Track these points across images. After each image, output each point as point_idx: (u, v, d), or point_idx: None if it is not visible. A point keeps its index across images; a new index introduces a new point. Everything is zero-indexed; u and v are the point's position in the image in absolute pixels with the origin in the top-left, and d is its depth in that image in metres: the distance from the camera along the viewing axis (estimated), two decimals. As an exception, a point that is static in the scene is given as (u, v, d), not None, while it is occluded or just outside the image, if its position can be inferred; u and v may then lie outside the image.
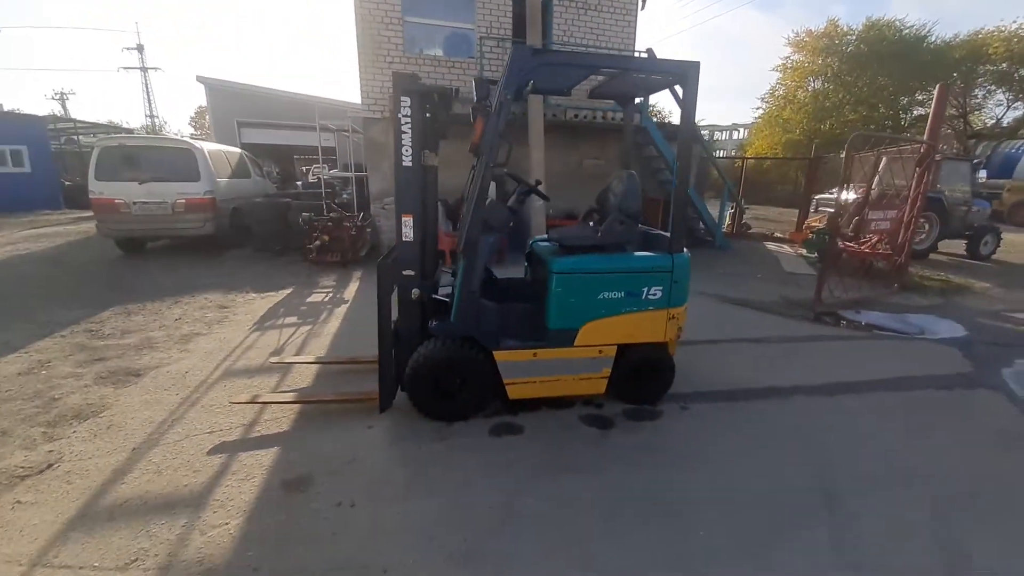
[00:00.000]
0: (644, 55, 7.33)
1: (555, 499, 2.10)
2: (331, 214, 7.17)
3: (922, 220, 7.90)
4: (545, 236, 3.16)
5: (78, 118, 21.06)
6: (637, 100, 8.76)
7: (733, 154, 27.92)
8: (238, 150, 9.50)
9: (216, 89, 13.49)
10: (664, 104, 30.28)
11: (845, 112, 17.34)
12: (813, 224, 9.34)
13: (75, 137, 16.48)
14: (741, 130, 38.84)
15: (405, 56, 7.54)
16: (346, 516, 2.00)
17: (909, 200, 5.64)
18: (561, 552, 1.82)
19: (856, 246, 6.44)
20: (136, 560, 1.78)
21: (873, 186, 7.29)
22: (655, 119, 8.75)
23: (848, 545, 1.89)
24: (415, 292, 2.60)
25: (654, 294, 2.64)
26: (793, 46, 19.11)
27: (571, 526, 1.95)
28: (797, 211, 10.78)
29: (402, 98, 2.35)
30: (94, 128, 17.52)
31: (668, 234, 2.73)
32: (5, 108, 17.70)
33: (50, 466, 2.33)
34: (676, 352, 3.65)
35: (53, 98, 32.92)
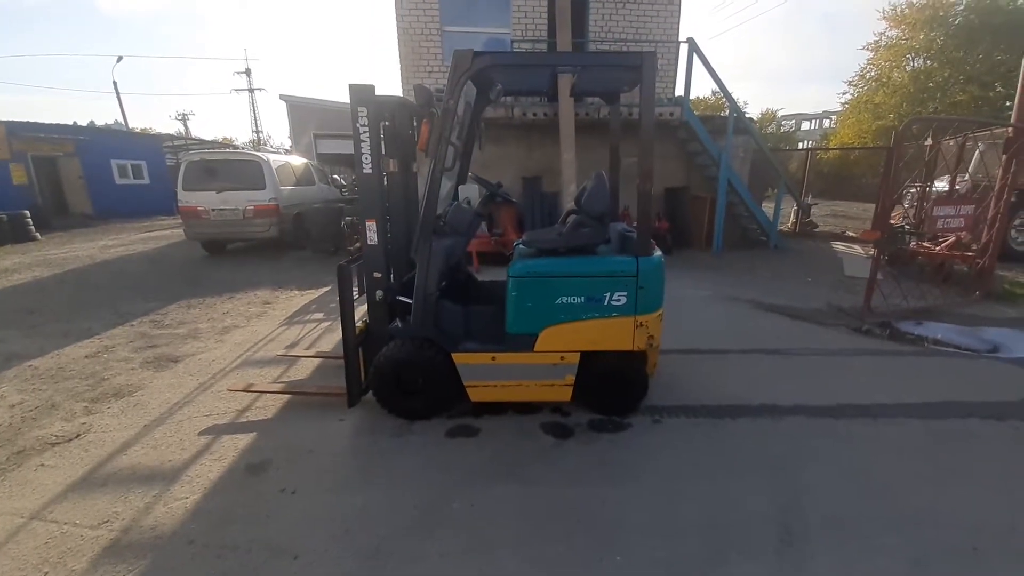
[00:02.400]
0: (684, 44, 6.90)
1: (481, 506, 2.06)
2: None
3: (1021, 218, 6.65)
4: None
5: (196, 136, 24.25)
6: (674, 97, 8.25)
7: (821, 145, 25.25)
8: (304, 160, 10.35)
9: (295, 105, 14.84)
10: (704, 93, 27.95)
11: (953, 92, 14.92)
12: (893, 222, 8.19)
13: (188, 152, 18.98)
14: (832, 118, 34.97)
15: (444, 65, 7.75)
16: (284, 502, 2.12)
17: (994, 193, 4.74)
18: (465, 558, 1.78)
19: (931, 246, 5.57)
20: (107, 521, 2.03)
21: (966, 177, 6.28)
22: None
23: (790, 589, 1.65)
24: (378, 294, 2.68)
25: (617, 300, 2.48)
26: (889, 20, 16.79)
27: (486, 534, 1.90)
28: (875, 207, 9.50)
29: (358, 108, 2.44)
30: (204, 144, 20.04)
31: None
32: (136, 128, 20.73)
33: (78, 436, 2.72)
34: (671, 361, 3.44)
35: (176, 118, 38.06)
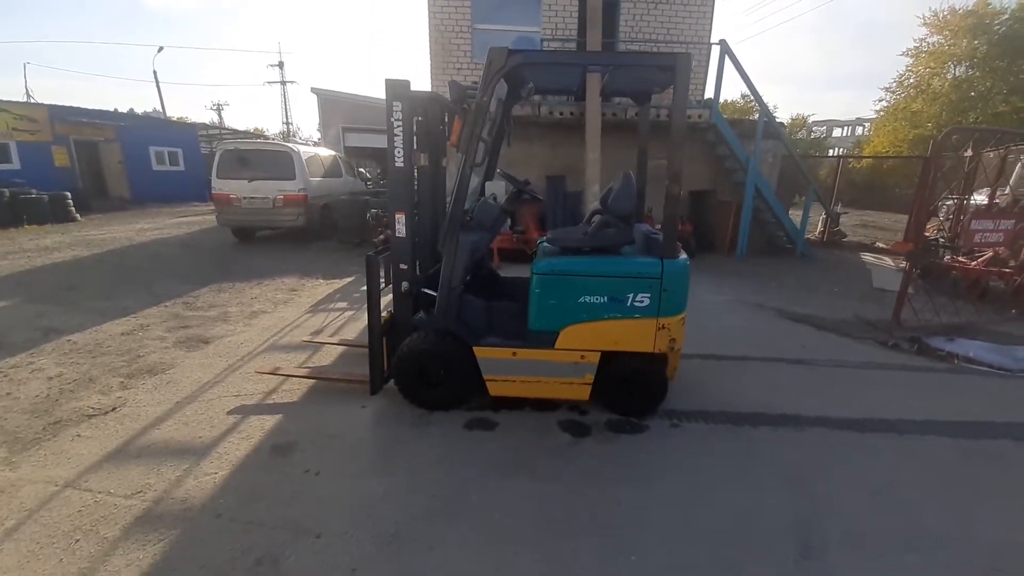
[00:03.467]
0: (716, 46, 6.78)
1: (498, 499, 2.08)
2: (396, 210, 7.66)
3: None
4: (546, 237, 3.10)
5: (230, 125, 24.88)
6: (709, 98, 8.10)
7: (852, 152, 24.49)
8: (332, 152, 10.52)
9: (325, 99, 15.04)
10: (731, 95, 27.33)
11: (995, 103, 14.27)
12: (927, 234, 7.90)
13: (223, 141, 19.52)
14: (865, 125, 33.86)
15: (473, 62, 7.78)
16: (309, 483, 2.17)
17: (1038, 208, 4.53)
18: (480, 550, 1.81)
19: (967, 261, 5.36)
20: (140, 492, 2.11)
21: (1007, 190, 6.04)
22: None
23: (807, 602, 1.63)
24: (404, 286, 2.72)
25: (640, 301, 2.46)
26: (930, 27, 16.13)
27: (503, 528, 1.92)
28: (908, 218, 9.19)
29: (393, 103, 2.47)
30: (237, 134, 20.58)
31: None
32: (173, 117, 21.37)
33: (114, 409, 2.83)
34: (692, 366, 3.41)
35: (211, 108, 39.08)
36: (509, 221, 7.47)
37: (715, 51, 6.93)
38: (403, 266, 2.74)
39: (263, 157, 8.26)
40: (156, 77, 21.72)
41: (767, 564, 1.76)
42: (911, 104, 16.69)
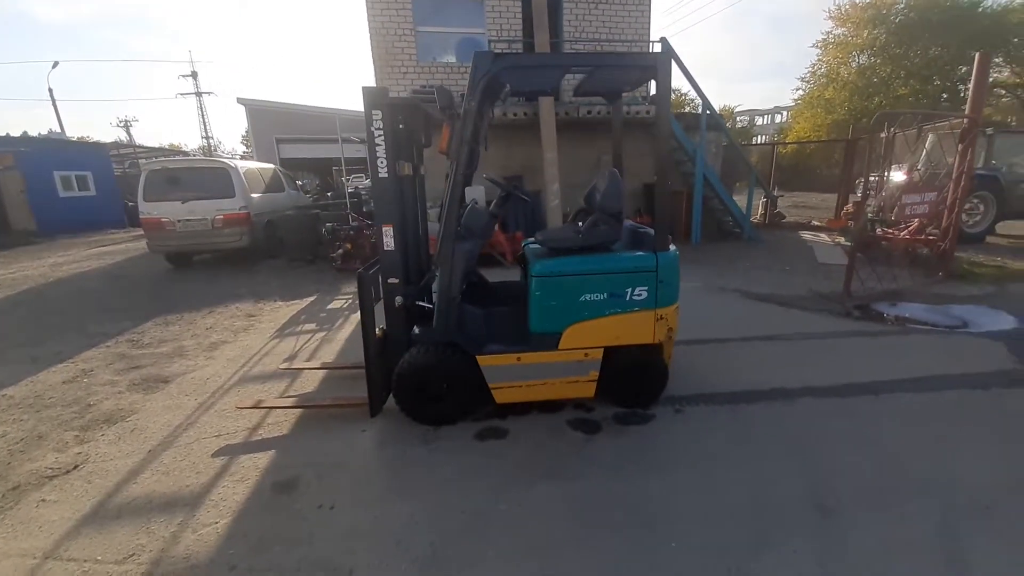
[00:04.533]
0: (657, 44, 7.12)
1: (529, 505, 2.08)
2: (352, 223, 7.42)
3: (975, 201, 7.23)
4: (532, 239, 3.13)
5: (141, 143, 22.92)
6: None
7: (776, 139, 26.53)
8: (272, 166, 9.99)
9: (255, 109, 14.27)
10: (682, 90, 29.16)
11: (895, 87, 16.04)
12: (851, 210, 8.72)
13: (137, 161, 17.93)
14: (784, 113, 36.80)
15: (419, 65, 7.69)
16: (325, 518, 2.07)
17: (952, 180, 5.15)
18: (526, 559, 1.80)
19: (895, 232, 5.98)
20: (133, 555, 1.92)
21: (918, 166, 6.75)
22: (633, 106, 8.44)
23: (836, 560, 1.76)
24: (398, 300, 2.65)
25: (639, 295, 2.56)
26: (835, 19, 17.87)
27: (540, 533, 1.93)
28: (837, 197, 10.10)
29: (372, 112, 2.40)
30: (153, 152, 19.00)
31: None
32: (73, 138, 19.43)
33: (76, 467, 2.55)
34: (680, 352, 3.57)
35: (118, 125, 35.89)
36: (500, 225, 7.46)
37: (656, 49, 7.26)
38: (394, 280, 2.67)
39: (197, 175, 7.71)
40: (52, 95, 19.62)
41: (796, 530, 1.89)
42: (824, 92, 18.37)
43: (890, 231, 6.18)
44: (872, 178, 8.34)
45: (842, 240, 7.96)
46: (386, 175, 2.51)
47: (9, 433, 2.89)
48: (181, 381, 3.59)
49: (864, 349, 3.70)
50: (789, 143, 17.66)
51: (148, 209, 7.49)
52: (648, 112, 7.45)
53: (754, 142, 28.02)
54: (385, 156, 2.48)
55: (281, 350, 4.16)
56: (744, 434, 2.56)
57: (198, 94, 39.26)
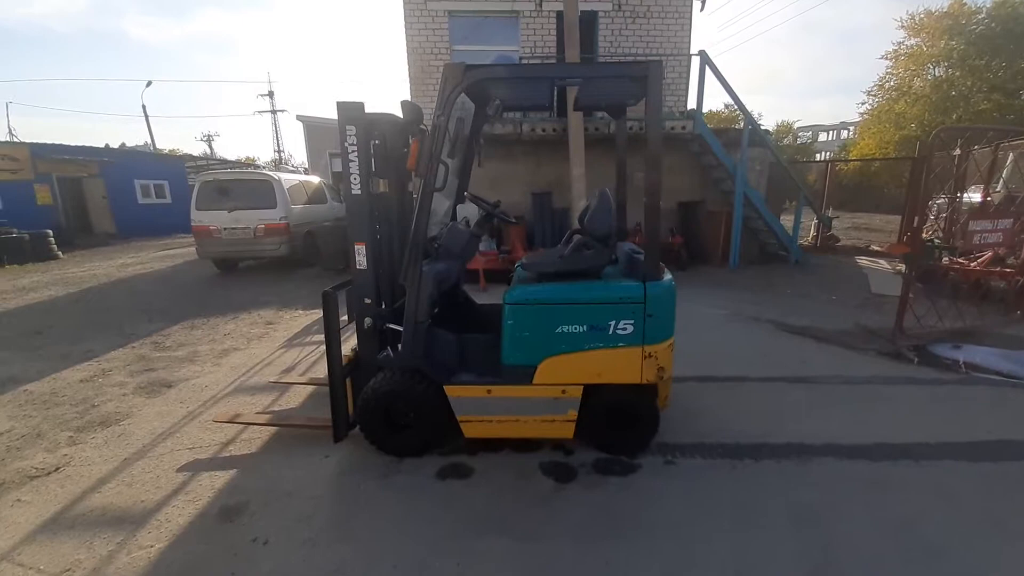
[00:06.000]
0: (696, 57, 6.72)
1: (471, 563, 1.82)
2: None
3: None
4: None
5: (221, 156, 24.88)
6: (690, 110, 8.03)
7: (839, 156, 24.67)
8: (317, 179, 10.39)
9: (311, 126, 15.07)
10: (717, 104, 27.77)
11: (976, 102, 14.37)
12: (924, 236, 7.75)
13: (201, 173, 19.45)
14: (851, 129, 34.27)
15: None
16: (254, 555, 1.91)
17: (1035, 205, 4.38)
18: (447, 634, 1.55)
19: (965, 262, 5.19)
20: (69, 569, 1.86)
21: (998, 188, 5.91)
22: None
23: None
24: (367, 321, 2.50)
25: (623, 328, 2.25)
26: (908, 29, 16.39)
27: (473, 601, 1.67)
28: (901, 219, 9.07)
29: (347, 127, 2.29)
30: (226, 164, 20.50)
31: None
32: (164, 150, 21.37)
33: (57, 469, 2.57)
34: (686, 390, 3.18)
35: (202, 140, 39.30)
36: (495, 242, 7.31)
37: (695, 63, 6.86)
38: (366, 300, 2.52)
39: (243, 187, 8.11)
40: (145, 111, 21.82)
41: (779, 637, 1.51)
42: (894, 106, 16.83)
43: (960, 261, 5.37)
44: (940, 200, 7.40)
45: (903, 268, 7.08)
46: (359, 192, 2.39)
47: (15, 429, 2.99)
48: (182, 387, 3.64)
49: (912, 400, 3.13)
50: (850, 160, 16.26)
51: (199, 217, 7.96)
52: (684, 128, 7.03)
53: (817, 159, 26.17)
54: (358, 172, 2.36)
55: (283, 361, 4.15)
56: (742, 498, 2.16)
57: (273, 112, 42.33)
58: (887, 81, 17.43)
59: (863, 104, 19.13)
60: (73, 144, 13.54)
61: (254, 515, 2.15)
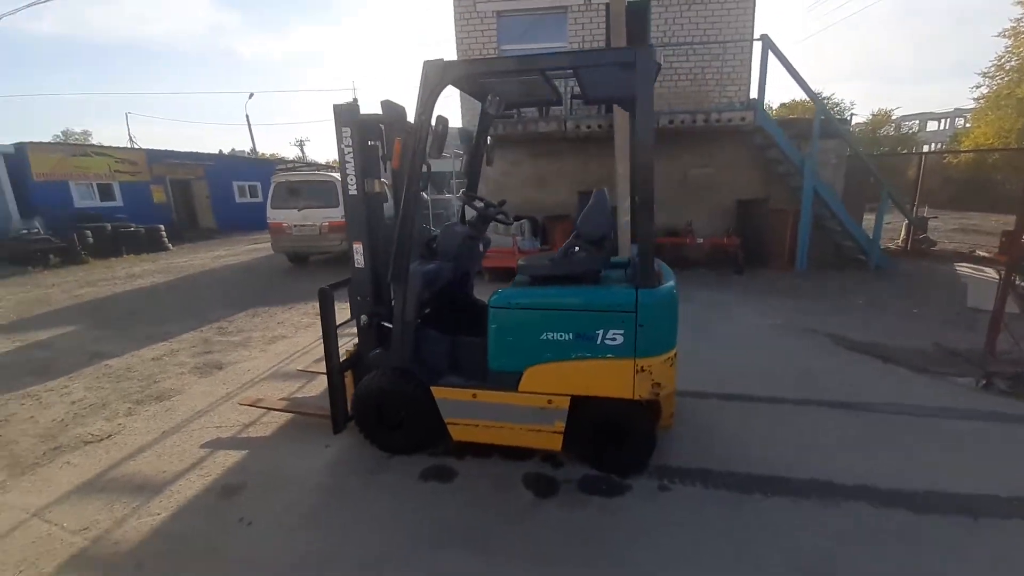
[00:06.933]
0: (758, 41, 6.08)
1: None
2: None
3: None
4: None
5: (312, 159, 27.06)
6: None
7: (947, 147, 21.31)
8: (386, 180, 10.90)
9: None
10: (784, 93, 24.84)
11: None
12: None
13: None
14: (967, 116, 29.46)
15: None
16: (238, 534, 2.00)
17: None
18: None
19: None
20: (87, 528, 2.06)
21: None
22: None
23: None
24: (362, 319, 2.52)
25: (612, 338, 2.05)
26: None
27: (417, 613, 1.60)
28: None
29: (343, 128, 2.31)
30: (311, 167, 22.25)
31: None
32: (265, 154, 23.59)
33: (109, 436, 2.89)
34: (707, 407, 2.87)
35: (295, 144, 42.93)
36: (539, 239, 7.17)
37: (758, 49, 6.21)
38: (362, 298, 2.55)
39: (311, 187, 8.69)
40: (248, 120, 24.28)
41: None
42: (1016, 89, 14.11)
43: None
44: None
45: (1018, 279, 5.90)
46: (355, 192, 2.41)
47: (86, 399, 3.42)
48: (229, 370, 3.95)
49: (990, 440, 2.56)
50: (957, 151, 13.86)
51: (273, 215, 8.67)
52: (743, 119, 6.40)
53: (925, 150, 22.84)
54: (354, 173, 2.38)
55: (321, 350, 4.36)
56: (741, 537, 1.87)
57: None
58: (1006, 61, 14.63)
59: (978, 87, 16.24)
60: (183, 150, 15.44)
61: (249, 496, 2.25)
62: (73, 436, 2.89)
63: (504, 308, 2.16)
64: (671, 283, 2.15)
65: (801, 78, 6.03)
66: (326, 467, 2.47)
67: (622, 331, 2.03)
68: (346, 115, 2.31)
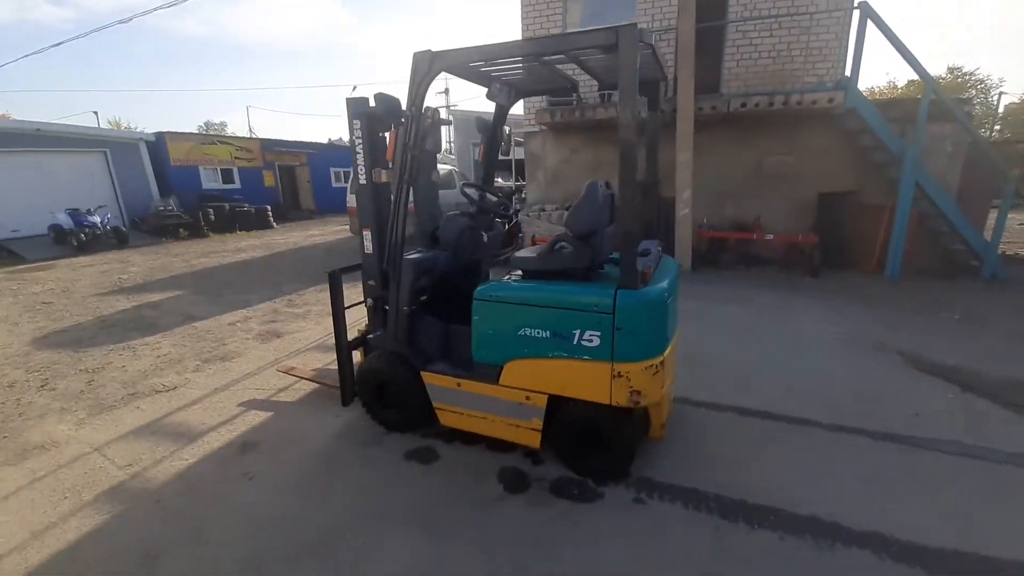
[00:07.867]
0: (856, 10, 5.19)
1: (369, 555, 1.79)
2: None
3: None
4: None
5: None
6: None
7: None
8: (448, 167, 11.21)
9: (457, 119, 16.22)
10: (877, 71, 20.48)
11: None
12: None
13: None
14: None
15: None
16: (237, 487, 2.22)
17: None
18: (320, 606, 1.59)
19: None
20: (130, 465, 2.43)
21: None
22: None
23: None
24: (368, 302, 2.64)
25: (588, 340, 1.92)
26: None
27: (358, 584, 1.67)
28: None
29: (353, 122, 2.39)
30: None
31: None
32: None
33: (175, 388, 3.36)
34: (722, 421, 2.60)
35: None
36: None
37: (856, 18, 5.29)
38: (371, 282, 2.66)
39: (384, 173, 9.21)
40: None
41: None
42: None
43: None
44: None
45: None
46: (364, 181, 2.49)
47: (170, 354, 3.99)
48: (285, 339, 4.36)
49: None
50: None
51: (351, 200, 9.33)
52: (831, 100, 5.54)
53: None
54: (364, 164, 2.46)
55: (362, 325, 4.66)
56: (711, 571, 1.68)
57: (447, 107, 46.87)
58: None
59: None
60: (291, 140, 17.17)
61: (260, 453, 2.49)
62: (148, 385, 3.40)
63: (486, 301, 2.12)
64: (662, 284, 1.95)
65: (908, 51, 5.04)
66: (331, 436, 2.64)
67: (598, 333, 1.90)
68: (357, 108, 2.39)
